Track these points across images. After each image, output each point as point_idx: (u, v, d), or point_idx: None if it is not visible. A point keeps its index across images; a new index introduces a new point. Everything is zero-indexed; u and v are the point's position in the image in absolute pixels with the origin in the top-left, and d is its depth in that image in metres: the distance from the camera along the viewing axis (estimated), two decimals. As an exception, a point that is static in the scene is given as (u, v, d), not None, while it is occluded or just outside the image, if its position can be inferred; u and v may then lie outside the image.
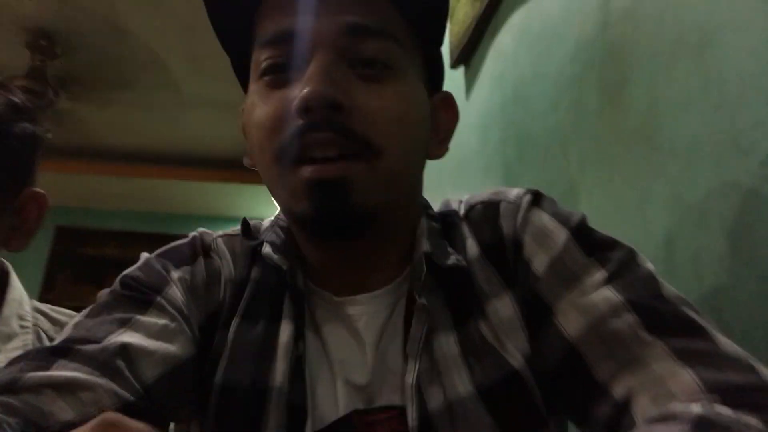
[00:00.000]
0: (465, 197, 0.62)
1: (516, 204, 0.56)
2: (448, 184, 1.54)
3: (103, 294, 0.53)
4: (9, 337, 0.80)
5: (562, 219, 0.53)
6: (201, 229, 0.62)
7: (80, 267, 4.34)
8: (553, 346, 0.48)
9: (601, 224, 0.54)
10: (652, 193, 0.70)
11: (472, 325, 0.53)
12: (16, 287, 0.85)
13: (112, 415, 0.28)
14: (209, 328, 0.56)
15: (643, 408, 0.40)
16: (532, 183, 1.02)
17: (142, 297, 0.52)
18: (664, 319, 0.43)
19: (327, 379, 0.53)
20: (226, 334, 0.55)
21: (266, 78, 0.52)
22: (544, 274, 0.51)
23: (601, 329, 0.45)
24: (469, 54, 1.49)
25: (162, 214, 4.51)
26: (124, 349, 0.46)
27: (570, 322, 0.47)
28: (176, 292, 0.54)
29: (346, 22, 0.49)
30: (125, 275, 0.54)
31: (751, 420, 0.35)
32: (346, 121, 0.48)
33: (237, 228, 0.63)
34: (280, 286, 0.57)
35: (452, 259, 0.55)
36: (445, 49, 1.53)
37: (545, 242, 0.52)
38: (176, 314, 0.52)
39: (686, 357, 0.40)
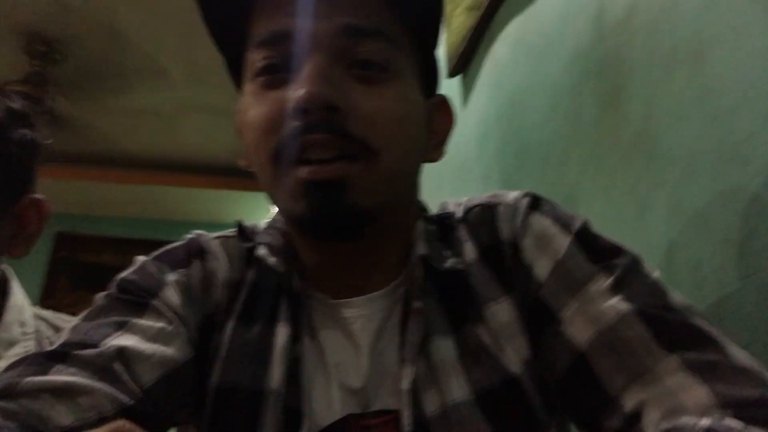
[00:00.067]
0: (463, 200, 0.62)
1: (514, 207, 0.56)
2: (447, 191, 1.54)
3: (100, 297, 0.53)
4: (10, 344, 0.80)
5: (564, 224, 0.53)
6: (197, 231, 0.62)
7: (80, 273, 4.32)
8: (561, 354, 0.48)
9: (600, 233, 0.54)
10: (652, 201, 0.70)
11: (470, 330, 0.52)
12: (17, 294, 0.85)
13: (124, 424, 0.28)
14: (206, 331, 0.55)
15: (653, 421, 0.40)
16: (530, 191, 1.03)
17: (138, 300, 0.52)
18: (674, 331, 0.43)
19: (322, 382, 0.53)
20: (222, 337, 0.55)
21: (261, 78, 0.51)
22: (546, 280, 0.51)
23: (610, 340, 0.45)
24: (465, 63, 1.49)
25: (161, 220, 4.50)
26: (122, 352, 0.46)
27: (578, 331, 0.47)
28: (172, 295, 0.53)
29: (342, 24, 0.49)
30: (121, 278, 0.54)
31: None
32: (343, 123, 0.48)
33: (233, 230, 0.63)
34: (276, 288, 0.56)
35: (449, 262, 0.55)
36: (442, 59, 1.54)
37: (547, 247, 0.52)
38: (173, 317, 0.52)
39: (697, 370, 0.40)
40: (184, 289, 0.55)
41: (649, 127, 0.71)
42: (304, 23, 0.49)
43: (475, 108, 1.43)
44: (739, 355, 0.41)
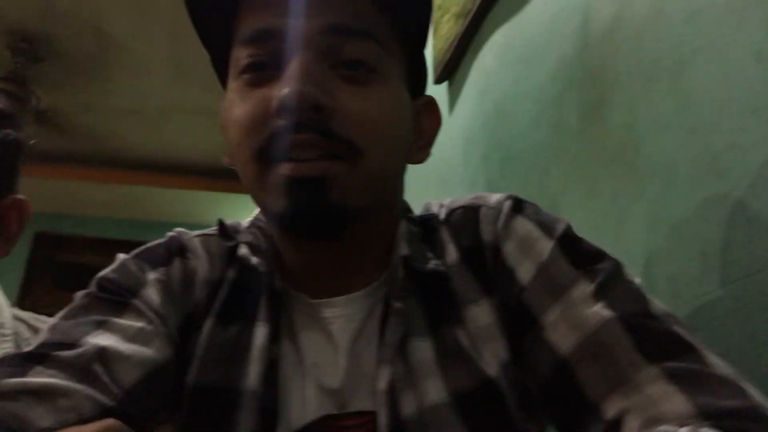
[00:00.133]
0: (446, 201, 0.62)
1: (497, 209, 0.56)
2: (432, 198, 1.54)
3: (79, 296, 0.53)
4: (-12, 346, 0.79)
5: (547, 227, 0.53)
6: (178, 229, 0.62)
7: (58, 274, 4.27)
8: (543, 360, 0.48)
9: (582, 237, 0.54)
10: (631, 212, 0.71)
11: (449, 331, 0.52)
12: None
13: (113, 422, 0.28)
14: (186, 330, 0.55)
15: (633, 430, 0.40)
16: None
17: (118, 299, 0.51)
18: (655, 339, 0.43)
19: (299, 382, 0.52)
20: (200, 336, 0.54)
21: (246, 76, 0.50)
22: (529, 284, 0.50)
23: (593, 347, 0.45)
24: (452, 70, 1.50)
25: (142, 221, 4.46)
26: (101, 353, 0.45)
27: (561, 338, 0.47)
28: (152, 294, 0.53)
29: (328, 23, 0.49)
30: (101, 277, 0.54)
31: None
32: (327, 123, 0.47)
33: (214, 228, 0.62)
34: (256, 287, 0.56)
35: (431, 264, 0.55)
36: (429, 65, 1.54)
37: (530, 251, 0.52)
38: (153, 316, 0.51)
39: (678, 379, 0.40)
40: (165, 287, 0.55)
41: (630, 137, 0.72)
42: (290, 21, 0.49)
43: (461, 115, 1.44)
44: (718, 365, 0.41)
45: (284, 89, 0.46)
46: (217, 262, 0.59)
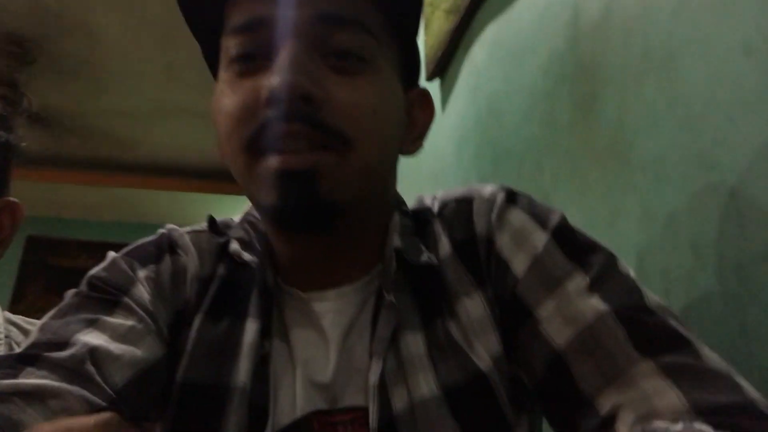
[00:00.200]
0: (439, 194, 0.61)
1: (490, 201, 0.55)
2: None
3: (69, 294, 0.52)
4: (-19, 349, 0.78)
5: (542, 219, 0.52)
6: (169, 226, 0.61)
7: (51, 278, 4.26)
8: (539, 355, 0.48)
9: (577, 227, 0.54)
10: (623, 206, 0.71)
11: (441, 325, 0.52)
12: None
13: (113, 416, 0.28)
14: (177, 327, 0.54)
15: (627, 425, 0.40)
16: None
17: (108, 297, 0.51)
18: (650, 333, 0.43)
19: (290, 378, 0.52)
20: (190, 332, 0.54)
21: (235, 66, 0.50)
22: (524, 276, 0.50)
23: (588, 341, 0.45)
24: (444, 67, 1.50)
25: (135, 224, 4.45)
26: (92, 353, 0.45)
27: (556, 332, 0.47)
28: (143, 292, 0.53)
29: (319, 12, 0.48)
30: (91, 275, 0.53)
31: None
32: (317, 113, 0.47)
33: (205, 224, 0.62)
34: (247, 283, 0.56)
35: (424, 257, 0.54)
36: (421, 62, 1.54)
37: (525, 243, 0.51)
38: (143, 314, 0.51)
39: (672, 374, 0.40)
40: (155, 285, 0.54)
41: (622, 132, 0.72)
42: (281, 11, 0.48)
43: (453, 112, 1.44)
44: (713, 359, 0.41)
45: (273, 79, 0.46)
46: (207, 258, 0.58)
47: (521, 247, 0.52)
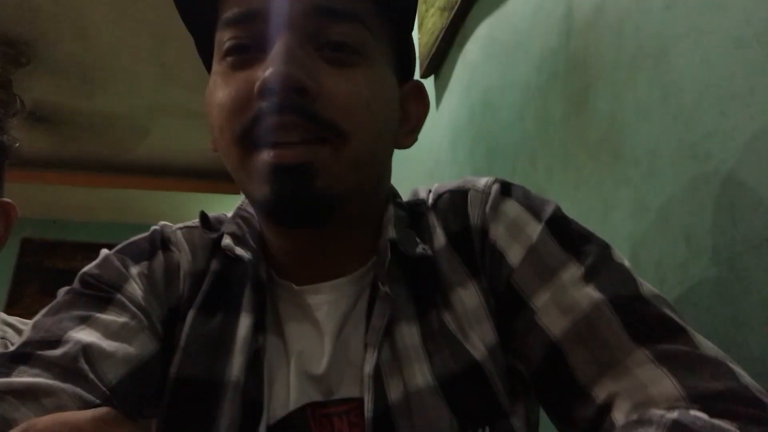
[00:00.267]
0: (434, 186, 0.61)
1: (485, 193, 0.56)
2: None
3: (62, 292, 0.52)
4: (-24, 350, 0.78)
5: (536, 210, 0.53)
6: (162, 222, 0.61)
7: (47, 280, 4.25)
8: (535, 345, 0.48)
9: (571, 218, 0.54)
10: (617, 199, 0.71)
11: (435, 315, 0.52)
12: None
13: (109, 411, 0.28)
14: (171, 323, 0.54)
15: (623, 413, 0.41)
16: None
17: (101, 294, 0.51)
18: (645, 322, 0.43)
19: (284, 371, 0.52)
20: (183, 328, 0.54)
21: (229, 58, 0.49)
22: (518, 267, 0.50)
23: (583, 330, 0.45)
24: (438, 64, 1.51)
25: (131, 225, 4.43)
26: (85, 351, 0.45)
27: (552, 322, 0.47)
28: (135, 289, 0.53)
29: (313, 4, 0.48)
30: (84, 273, 0.53)
31: (728, 426, 0.35)
32: (311, 105, 0.46)
33: (197, 220, 0.62)
34: (241, 278, 0.55)
35: (419, 248, 0.54)
36: (416, 55, 1.54)
37: (519, 234, 0.52)
38: (136, 311, 0.51)
39: (666, 362, 0.41)
40: (148, 281, 0.54)
41: (615, 126, 0.72)
42: (275, 3, 0.48)
43: (447, 108, 1.44)
44: (708, 346, 0.42)
45: (267, 71, 0.45)
46: (200, 254, 0.58)
47: (516, 237, 0.52)
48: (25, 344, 0.46)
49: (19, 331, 0.88)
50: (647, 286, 0.46)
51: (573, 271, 0.48)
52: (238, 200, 0.62)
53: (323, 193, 0.48)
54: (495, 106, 1.14)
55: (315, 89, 0.46)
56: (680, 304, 0.58)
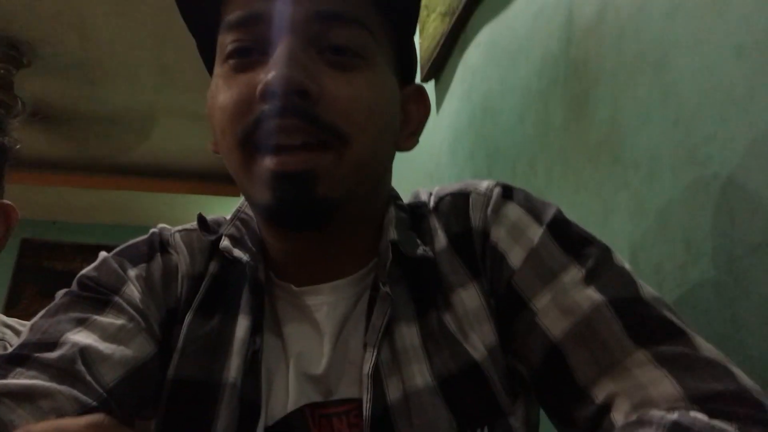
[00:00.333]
0: (435, 189, 0.62)
1: (487, 196, 0.56)
2: (419, 196, 1.55)
3: (60, 294, 0.52)
4: (-25, 352, 0.78)
5: (537, 213, 0.53)
6: (160, 225, 0.61)
7: (47, 281, 4.24)
8: (535, 346, 0.48)
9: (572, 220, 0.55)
10: (616, 203, 0.72)
11: (435, 316, 0.52)
12: None
13: (104, 418, 0.28)
14: (169, 325, 0.55)
15: (623, 413, 0.41)
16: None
17: (98, 297, 0.51)
18: (645, 324, 0.44)
19: (283, 373, 0.52)
20: (181, 330, 0.54)
21: (231, 61, 0.50)
22: (519, 269, 0.51)
23: (584, 331, 0.45)
24: (439, 68, 1.51)
25: (130, 227, 4.44)
26: (82, 353, 0.45)
27: (553, 323, 0.47)
28: (133, 291, 0.53)
29: (316, 9, 0.48)
30: (82, 275, 0.54)
31: (728, 427, 0.36)
32: (312, 108, 0.46)
33: (195, 223, 0.62)
34: (239, 279, 0.56)
35: (420, 250, 0.54)
36: (417, 58, 1.55)
37: (521, 237, 0.52)
38: (134, 313, 0.51)
39: (666, 363, 0.41)
40: (146, 284, 0.55)
41: (615, 130, 0.73)
42: (277, 6, 0.48)
43: (448, 113, 1.45)
44: (707, 348, 0.42)
45: (269, 73, 0.46)
46: (198, 256, 0.59)
47: (517, 240, 0.52)
48: (22, 346, 0.46)
49: (18, 333, 0.88)
50: (647, 289, 0.47)
51: (574, 274, 0.48)
52: (237, 202, 0.63)
53: (325, 198, 0.48)
54: (495, 110, 1.14)
55: (317, 92, 0.47)
56: (679, 307, 0.58)
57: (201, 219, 0.61)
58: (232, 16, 0.50)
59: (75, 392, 0.43)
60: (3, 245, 0.83)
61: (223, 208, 4.08)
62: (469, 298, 0.53)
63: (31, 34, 2.73)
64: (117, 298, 0.52)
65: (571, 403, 0.45)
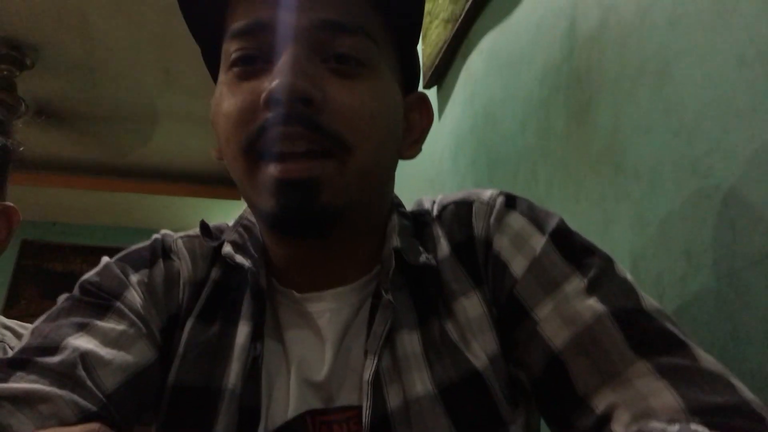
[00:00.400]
0: (438, 197, 0.62)
1: (490, 205, 0.56)
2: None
3: (62, 299, 0.53)
4: (-25, 354, 0.78)
5: (540, 223, 0.53)
6: (163, 231, 0.62)
7: (45, 282, 4.25)
8: (536, 355, 0.48)
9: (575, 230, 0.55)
10: (617, 214, 0.71)
11: (437, 324, 0.52)
12: None
13: (99, 426, 0.28)
14: (170, 331, 0.55)
15: (623, 425, 0.41)
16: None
17: (100, 302, 0.51)
18: (646, 334, 0.44)
19: (284, 379, 0.52)
20: (182, 336, 0.54)
21: (236, 69, 0.50)
22: (522, 278, 0.50)
23: (585, 341, 0.45)
24: (441, 75, 1.51)
25: (130, 229, 4.44)
26: (83, 358, 0.45)
27: (554, 333, 0.47)
28: (135, 297, 0.53)
29: (320, 18, 0.48)
30: (84, 280, 0.54)
31: None
32: (316, 116, 0.47)
33: (198, 229, 0.62)
34: (240, 286, 0.56)
35: (423, 258, 0.54)
36: (420, 67, 1.55)
37: (523, 246, 0.52)
38: (135, 319, 0.51)
39: (667, 374, 0.41)
40: (148, 290, 0.55)
41: (616, 140, 0.73)
42: (282, 15, 0.48)
43: (450, 119, 1.45)
44: (708, 360, 0.42)
45: (273, 81, 0.46)
46: (200, 262, 0.59)
47: (520, 249, 0.52)
48: (23, 350, 0.46)
49: (17, 334, 0.88)
50: (649, 300, 0.47)
51: (576, 283, 0.48)
52: (238, 205, 0.63)
53: (328, 206, 0.48)
54: (497, 118, 1.14)
55: (320, 100, 0.47)
56: (680, 318, 0.58)
57: (203, 225, 0.62)
58: (236, 24, 0.50)
59: (75, 397, 0.43)
60: (5, 247, 0.83)
61: (224, 211, 4.08)
62: (471, 306, 0.53)
63: (33, 36, 2.74)
64: (118, 304, 0.52)
65: (571, 412, 0.45)
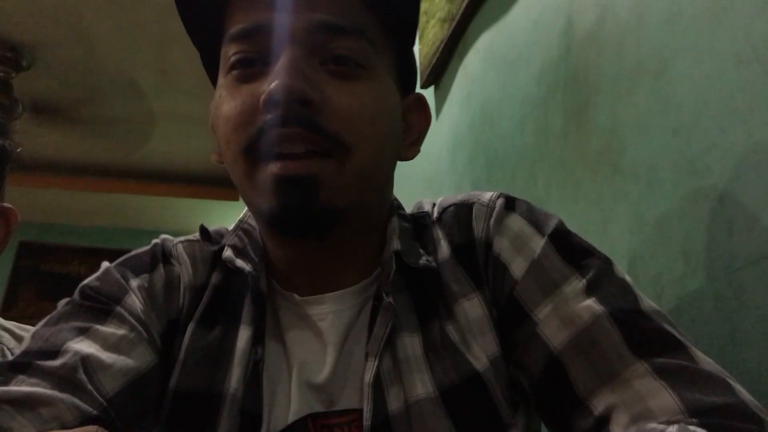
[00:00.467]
0: (438, 200, 0.62)
1: (490, 207, 0.56)
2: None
3: (62, 303, 0.53)
4: (-26, 355, 0.78)
5: (539, 225, 0.53)
6: (163, 236, 0.62)
7: (44, 284, 4.24)
8: (536, 356, 0.48)
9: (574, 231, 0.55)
10: (615, 213, 0.71)
11: (438, 326, 0.52)
12: None
13: (97, 429, 0.28)
14: (170, 336, 0.55)
15: (621, 426, 0.41)
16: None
17: (100, 307, 0.51)
18: (644, 336, 0.44)
19: (285, 382, 0.52)
20: (183, 341, 0.54)
21: (235, 72, 0.50)
22: (521, 279, 0.51)
23: (584, 342, 0.45)
24: (438, 75, 1.51)
25: (128, 230, 4.44)
26: (84, 362, 0.45)
27: (554, 334, 0.47)
28: (135, 301, 0.53)
29: (317, 20, 0.49)
30: (84, 285, 0.54)
31: None
32: (315, 118, 0.47)
33: (197, 234, 0.62)
34: (241, 290, 0.56)
35: (423, 260, 0.55)
36: (417, 68, 1.55)
37: (523, 248, 0.52)
38: (135, 323, 0.51)
39: (666, 376, 0.41)
40: (148, 294, 0.55)
41: (614, 139, 0.73)
42: (280, 18, 0.49)
43: (447, 120, 1.45)
44: (706, 361, 0.42)
45: (272, 83, 0.46)
46: (200, 267, 0.59)
47: (519, 251, 0.52)
48: (24, 354, 0.46)
49: (15, 336, 0.88)
50: (647, 301, 0.47)
51: (575, 285, 0.48)
52: (237, 206, 0.63)
53: (327, 206, 0.48)
54: (494, 118, 1.14)
55: (319, 101, 0.47)
56: (678, 319, 0.58)
57: (203, 230, 0.62)
58: (235, 28, 0.50)
59: (76, 401, 0.43)
60: (3, 248, 0.83)
61: (222, 211, 4.08)
62: (471, 308, 0.53)
63: (30, 37, 2.74)
64: (119, 308, 0.52)
65: (570, 414, 0.45)
